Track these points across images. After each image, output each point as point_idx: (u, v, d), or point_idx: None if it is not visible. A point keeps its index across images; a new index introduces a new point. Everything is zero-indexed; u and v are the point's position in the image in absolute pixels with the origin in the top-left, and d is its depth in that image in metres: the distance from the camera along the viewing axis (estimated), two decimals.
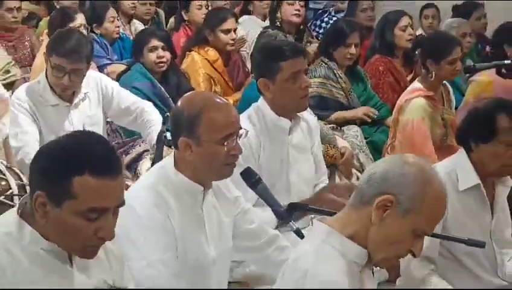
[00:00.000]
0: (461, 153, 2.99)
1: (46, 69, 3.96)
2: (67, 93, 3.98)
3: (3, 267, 1.87)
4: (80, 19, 5.20)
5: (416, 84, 4.41)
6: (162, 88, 4.74)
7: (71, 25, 5.09)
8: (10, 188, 3.14)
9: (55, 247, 1.92)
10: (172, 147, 2.77)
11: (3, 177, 3.19)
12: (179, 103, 2.64)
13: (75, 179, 1.83)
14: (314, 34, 6.71)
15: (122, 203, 1.92)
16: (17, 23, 6.01)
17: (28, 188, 2.72)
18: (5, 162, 3.36)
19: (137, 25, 6.62)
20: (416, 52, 4.46)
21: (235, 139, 2.54)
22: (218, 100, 2.60)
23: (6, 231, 1.91)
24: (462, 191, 2.95)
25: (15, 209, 1.97)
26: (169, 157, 2.66)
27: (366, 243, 1.98)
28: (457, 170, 2.96)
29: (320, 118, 4.34)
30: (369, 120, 4.93)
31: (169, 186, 2.55)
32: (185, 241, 2.55)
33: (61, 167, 1.85)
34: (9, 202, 3.04)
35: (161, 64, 4.79)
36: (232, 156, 2.54)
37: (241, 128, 2.58)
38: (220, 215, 2.67)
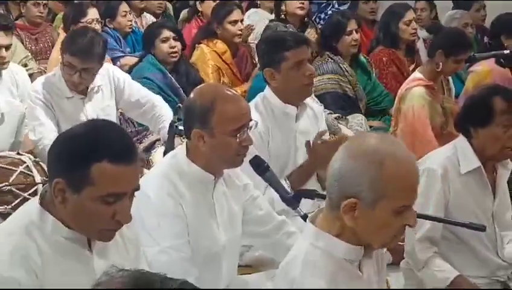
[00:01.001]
0: (461, 139, 2.98)
1: (62, 64, 3.98)
2: (79, 89, 3.99)
3: (29, 256, 1.87)
4: (92, 14, 5.20)
5: (417, 74, 4.41)
6: (173, 78, 4.74)
7: (83, 19, 5.12)
8: (36, 184, 3.12)
9: (75, 234, 1.93)
10: (184, 137, 2.78)
11: (30, 173, 3.18)
12: (192, 95, 2.64)
13: (93, 165, 1.83)
14: (319, 26, 6.70)
15: (138, 188, 1.92)
16: (42, 18, 6.02)
17: None
18: (33, 157, 3.37)
19: (148, 18, 6.62)
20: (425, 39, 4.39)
21: (246, 130, 2.55)
22: (230, 93, 2.60)
23: (30, 220, 1.92)
24: (464, 175, 2.94)
25: (37, 198, 1.97)
26: (181, 147, 2.67)
27: (354, 238, 1.90)
28: (458, 154, 2.96)
29: None
30: None
31: (181, 175, 2.56)
32: (197, 228, 2.57)
33: (79, 155, 1.85)
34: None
35: (174, 54, 4.79)
36: (244, 147, 2.55)
37: (251, 119, 2.58)
38: (230, 203, 2.68)
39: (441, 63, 4.22)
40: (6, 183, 3.07)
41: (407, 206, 1.87)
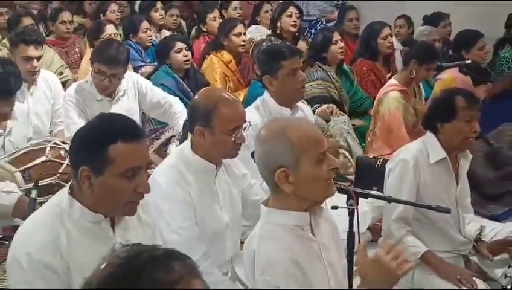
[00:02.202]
0: (429, 134, 3.01)
1: (92, 71, 4.00)
2: (107, 92, 4.01)
3: (58, 239, 1.87)
4: (109, 29, 5.24)
5: (393, 80, 4.46)
6: (184, 84, 4.76)
7: (102, 35, 5.14)
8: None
9: (100, 217, 1.93)
10: None
11: (64, 162, 3.21)
12: (197, 97, 2.67)
13: (110, 147, 1.84)
14: (310, 40, 6.71)
15: (151, 162, 1.94)
16: (69, 33, 6.05)
17: None
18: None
19: (167, 33, 6.64)
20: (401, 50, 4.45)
21: (241, 130, 2.58)
22: (230, 98, 2.63)
23: (61, 208, 1.92)
24: (432, 165, 2.96)
25: (67, 189, 1.96)
26: (187, 142, 2.69)
27: (299, 205, 1.94)
28: (427, 147, 2.98)
29: None
30: None
31: (187, 165, 2.59)
32: (203, 210, 2.59)
33: (97, 141, 1.86)
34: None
35: (187, 62, 4.81)
36: (238, 144, 2.59)
37: (245, 121, 2.60)
38: (230, 187, 2.71)
39: (414, 71, 4.27)
40: (55, 177, 3.08)
41: (323, 153, 1.92)
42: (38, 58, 4.17)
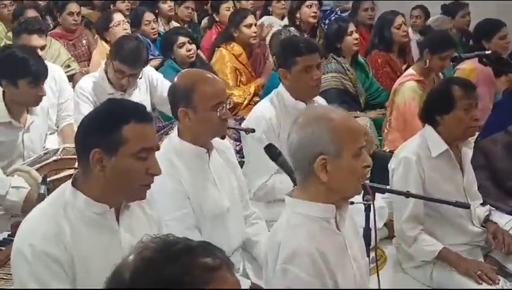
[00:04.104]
0: (428, 128, 3.01)
1: (106, 65, 4.00)
2: (123, 89, 4.02)
3: (62, 232, 1.87)
4: (117, 17, 5.25)
5: (410, 70, 4.44)
6: None
7: (111, 24, 5.14)
8: None
9: (106, 208, 1.94)
10: None
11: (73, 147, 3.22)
12: (175, 80, 2.72)
13: (123, 127, 1.87)
14: (325, 30, 6.71)
15: (159, 146, 1.98)
16: (77, 25, 6.05)
17: None
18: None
19: (176, 25, 6.63)
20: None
21: (224, 106, 2.61)
22: (208, 75, 2.67)
23: (64, 200, 1.93)
24: (434, 158, 2.96)
25: (69, 181, 1.96)
26: (174, 130, 2.73)
27: (326, 198, 1.95)
28: (428, 141, 2.98)
29: None
30: None
31: (177, 153, 2.61)
32: (199, 195, 2.61)
33: (110, 121, 1.89)
34: None
35: (191, 56, 4.82)
36: (224, 120, 2.62)
37: (228, 97, 2.66)
38: (227, 171, 2.75)
39: (427, 60, 4.24)
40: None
41: (361, 148, 1.94)
42: (42, 48, 4.16)
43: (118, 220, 1.98)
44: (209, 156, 2.67)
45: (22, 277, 1.85)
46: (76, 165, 3.02)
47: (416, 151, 2.95)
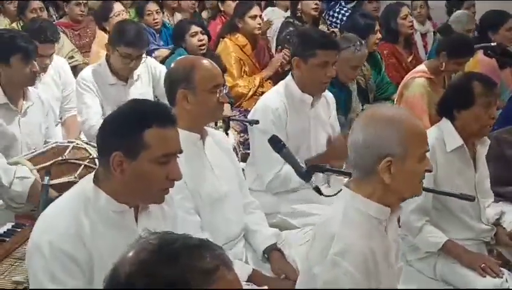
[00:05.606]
0: (445, 121, 3.00)
1: (107, 55, 4.00)
2: (130, 74, 4.01)
3: (81, 229, 1.87)
4: (117, 7, 5.23)
5: (422, 66, 4.40)
6: None
7: (111, 14, 5.13)
8: (90, 154, 3.16)
9: (125, 207, 1.93)
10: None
11: (82, 146, 3.22)
12: (173, 65, 2.75)
13: (146, 132, 1.84)
14: (328, 22, 6.69)
15: (181, 151, 1.94)
16: (83, 15, 6.03)
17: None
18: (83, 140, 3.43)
19: (180, 17, 6.64)
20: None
21: (222, 89, 2.67)
22: (205, 60, 2.73)
23: (85, 197, 1.91)
24: (449, 152, 2.96)
25: (91, 179, 1.95)
26: None
27: (382, 199, 1.92)
28: (443, 135, 2.97)
29: None
30: None
31: None
32: (196, 182, 2.62)
33: (132, 125, 1.86)
34: (94, 166, 3.00)
35: (202, 47, 4.83)
36: (221, 104, 2.67)
37: (224, 83, 2.68)
38: (223, 157, 2.77)
39: (444, 63, 4.18)
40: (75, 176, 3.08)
41: (425, 152, 1.93)
42: (51, 54, 4.20)
43: (136, 220, 1.97)
44: (203, 143, 2.68)
45: (37, 272, 1.84)
46: (77, 173, 3.06)
47: (431, 144, 2.91)
